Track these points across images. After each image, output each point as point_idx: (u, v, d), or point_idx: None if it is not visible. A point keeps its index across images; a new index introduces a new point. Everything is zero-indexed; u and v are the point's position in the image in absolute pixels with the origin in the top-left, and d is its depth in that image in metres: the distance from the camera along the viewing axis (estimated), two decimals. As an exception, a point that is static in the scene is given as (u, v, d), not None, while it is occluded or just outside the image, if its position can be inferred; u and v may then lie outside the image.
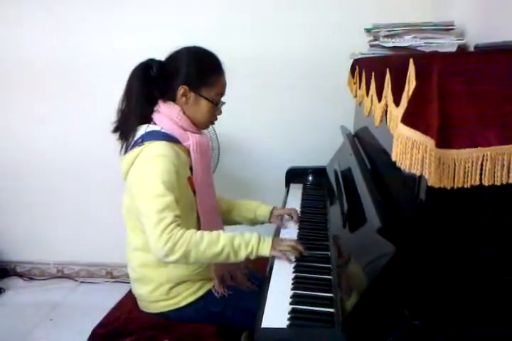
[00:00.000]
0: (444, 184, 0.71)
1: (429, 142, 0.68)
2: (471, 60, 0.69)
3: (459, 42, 1.65)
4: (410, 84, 0.80)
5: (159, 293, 1.42)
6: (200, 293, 1.44)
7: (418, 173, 0.69)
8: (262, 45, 2.28)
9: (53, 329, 2.28)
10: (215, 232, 1.30)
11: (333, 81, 2.20)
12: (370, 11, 2.15)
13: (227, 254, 1.27)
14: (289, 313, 1.03)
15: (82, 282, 2.77)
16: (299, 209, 1.74)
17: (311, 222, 1.60)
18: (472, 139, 0.69)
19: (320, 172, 2.05)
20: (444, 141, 0.69)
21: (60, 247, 2.77)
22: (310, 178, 2.09)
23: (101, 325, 1.46)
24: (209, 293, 1.45)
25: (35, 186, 2.67)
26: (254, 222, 1.72)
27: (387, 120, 1.00)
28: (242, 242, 1.29)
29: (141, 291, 1.47)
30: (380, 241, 0.86)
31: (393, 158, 0.72)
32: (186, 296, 1.43)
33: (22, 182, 2.67)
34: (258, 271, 1.65)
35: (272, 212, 1.68)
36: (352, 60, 2.00)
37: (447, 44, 1.65)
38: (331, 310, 1.04)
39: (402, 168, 0.70)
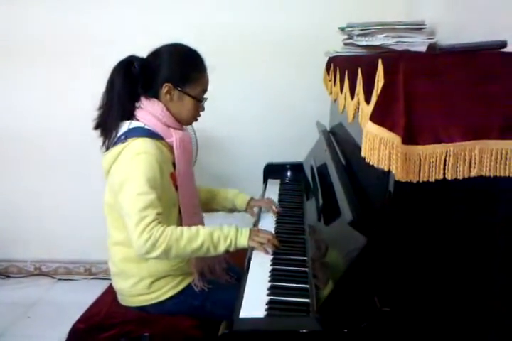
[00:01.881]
0: (410, 178, 0.75)
1: (395, 139, 0.72)
2: (435, 61, 0.74)
3: (430, 41, 1.70)
4: (379, 83, 0.85)
5: (140, 287, 1.44)
6: (181, 287, 1.47)
7: (386, 168, 0.73)
8: (238, 41, 2.31)
9: (31, 327, 2.27)
10: (194, 228, 1.33)
11: (310, 78, 2.25)
12: (346, 10, 2.19)
13: (207, 248, 1.30)
14: (266, 304, 1.07)
15: (59, 279, 2.76)
16: (277, 203, 1.77)
17: (288, 217, 1.64)
18: (436, 136, 0.74)
19: (297, 167, 2.09)
20: (409, 138, 0.74)
21: (37, 244, 2.75)
22: (287, 174, 2.13)
23: (81, 320, 1.48)
24: (189, 287, 1.47)
25: (11, 182, 2.64)
26: (232, 211, 1.78)
27: (359, 117, 1.04)
28: (221, 236, 1.32)
29: (121, 285, 1.48)
30: (352, 234, 0.90)
31: (362, 154, 0.76)
32: (167, 290, 1.45)
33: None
34: (236, 264, 1.68)
35: (248, 203, 1.72)
36: (327, 58, 2.05)
37: (418, 43, 1.70)
38: (307, 300, 1.08)
39: (371, 163, 0.74)
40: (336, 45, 1.90)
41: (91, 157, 2.45)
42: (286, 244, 1.39)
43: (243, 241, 1.34)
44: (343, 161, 1.43)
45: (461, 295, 0.85)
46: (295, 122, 2.38)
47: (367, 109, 0.98)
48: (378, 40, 1.73)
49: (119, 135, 1.40)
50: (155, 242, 1.25)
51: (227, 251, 1.34)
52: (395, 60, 0.76)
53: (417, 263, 0.85)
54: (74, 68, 2.44)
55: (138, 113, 1.42)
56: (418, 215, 0.83)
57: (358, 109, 1.15)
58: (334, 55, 1.84)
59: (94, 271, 2.80)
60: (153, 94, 1.43)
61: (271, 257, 1.33)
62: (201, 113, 1.52)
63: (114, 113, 1.40)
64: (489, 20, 1.44)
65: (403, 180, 0.75)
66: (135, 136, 1.36)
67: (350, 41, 1.78)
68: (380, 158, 0.72)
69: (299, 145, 2.20)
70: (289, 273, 1.22)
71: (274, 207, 1.69)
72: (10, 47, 2.44)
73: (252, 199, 1.74)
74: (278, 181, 2.08)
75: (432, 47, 1.73)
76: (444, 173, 0.75)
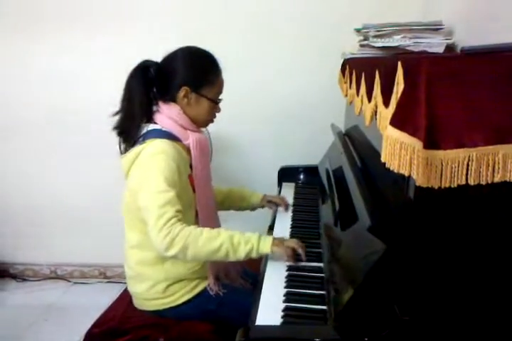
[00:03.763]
0: (432, 184, 0.73)
1: (416, 143, 0.70)
2: (458, 63, 0.71)
3: (447, 41, 1.68)
4: (399, 86, 0.83)
5: (155, 291, 1.44)
6: (196, 291, 1.46)
7: (406, 174, 0.71)
8: (252, 43, 2.30)
9: (48, 330, 2.28)
10: (215, 229, 1.32)
11: (324, 79, 2.23)
12: (361, 11, 2.17)
13: (226, 251, 1.27)
14: (282, 311, 1.05)
15: (75, 283, 2.77)
16: (291, 207, 1.76)
17: (304, 221, 1.63)
18: (459, 140, 0.71)
19: (312, 170, 2.07)
20: (431, 143, 0.71)
21: (53, 248, 2.76)
22: (302, 177, 2.11)
23: (96, 325, 1.48)
24: (204, 291, 1.46)
25: (27, 186, 2.66)
26: (245, 209, 1.83)
27: (377, 120, 1.02)
28: (242, 239, 1.28)
29: (137, 289, 1.48)
30: (371, 240, 0.88)
31: (382, 159, 0.74)
32: (182, 295, 1.44)
33: (12, 182, 2.66)
34: (251, 269, 1.67)
35: (263, 198, 1.79)
36: (342, 60, 2.03)
37: (436, 44, 1.68)
38: (324, 307, 1.06)
39: (391, 168, 0.72)
40: (352, 47, 1.88)
41: (107, 160, 2.50)
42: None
43: (266, 247, 1.29)
44: (360, 165, 1.41)
45: (484, 305, 0.83)
46: (309, 124, 2.36)
47: (385, 113, 0.96)
48: (395, 41, 1.71)
49: (138, 137, 1.42)
50: (174, 238, 1.23)
51: (248, 257, 1.29)
52: (416, 62, 0.74)
53: (437, 271, 0.82)
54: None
55: (156, 116, 1.44)
56: (439, 221, 0.80)
57: (376, 112, 1.13)
58: (350, 56, 1.82)
59: (109, 274, 2.81)
60: (171, 97, 1.44)
61: (287, 263, 1.31)
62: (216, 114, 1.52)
63: (134, 117, 1.42)
64: (508, 21, 1.40)
65: (424, 186, 0.73)
66: (153, 138, 1.38)
67: (366, 42, 1.76)
68: (401, 163, 0.70)
69: (313, 148, 2.18)
70: (305, 280, 1.21)
71: (285, 202, 1.77)
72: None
73: (264, 195, 1.81)
74: (292, 184, 2.06)
75: (449, 47, 1.71)
76: (467, 179, 0.72)
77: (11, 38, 2.41)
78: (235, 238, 1.29)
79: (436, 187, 0.73)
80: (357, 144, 1.63)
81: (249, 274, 1.64)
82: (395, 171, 0.72)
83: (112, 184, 2.56)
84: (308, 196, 1.89)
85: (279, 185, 2.10)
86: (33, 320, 2.36)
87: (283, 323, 1.00)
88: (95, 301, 2.54)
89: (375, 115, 1.14)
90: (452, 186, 0.73)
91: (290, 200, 1.84)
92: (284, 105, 2.37)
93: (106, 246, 2.69)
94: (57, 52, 2.42)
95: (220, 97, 1.49)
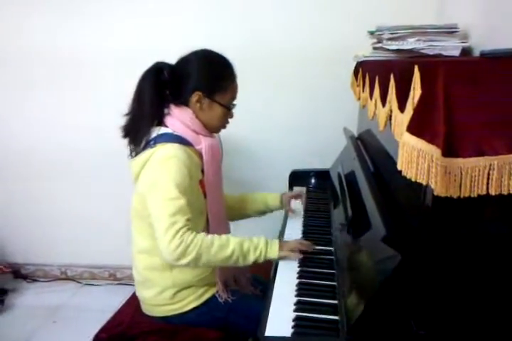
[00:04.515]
0: (451, 193, 0.70)
1: (435, 151, 0.67)
2: (477, 67, 0.68)
3: (463, 44, 1.64)
4: (415, 91, 0.80)
5: (163, 297, 1.42)
6: (204, 298, 1.44)
7: (424, 183, 0.68)
8: (265, 46, 2.27)
9: (57, 332, 2.28)
10: (224, 236, 1.31)
11: (336, 82, 2.20)
12: (374, 13, 2.13)
13: (237, 258, 1.29)
14: (293, 321, 1.03)
15: (85, 284, 2.77)
16: (302, 213, 1.73)
17: (315, 226, 1.60)
18: (479, 148, 0.69)
19: (323, 175, 2.04)
20: (450, 150, 0.68)
21: (63, 249, 2.76)
22: (313, 181, 2.08)
23: (104, 329, 1.46)
24: (213, 298, 1.44)
25: (37, 188, 2.67)
26: (264, 213, 1.78)
27: (392, 125, 0.99)
28: (251, 246, 1.30)
29: (145, 294, 1.46)
30: (386, 249, 0.85)
31: (398, 167, 0.72)
32: (190, 301, 1.42)
33: (23, 184, 2.67)
34: (261, 275, 1.65)
35: (281, 200, 1.74)
36: (355, 63, 2.00)
37: (451, 47, 1.64)
38: (336, 317, 1.03)
39: (408, 177, 0.69)
40: (365, 50, 1.85)
41: (115, 161, 2.49)
42: (313, 256, 1.35)
43: (273, 252, 1.32)
44: (372, 169, 1.38)
45: (504, 319, 0.79)
46: (321, 128, 2.33)
47: (400, 118, 0.93)
48: (409, 44, 1.67)
49: (148, 140, 1.39)
50: (186, 249, 1.23)
51: (255, 263, 1.32)
52: (434, 66, 0.71)
53: (455, 283, 0.79)
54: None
55: (167, 120, 1.41)
56: (457, 232, 0.77)
57: (391, 117, 1.10)
58: (363, 59, 1.79)
59: (118, 276, 2.80)
60: (183, 101, 1.41)
61: (297, 269, 1.28)
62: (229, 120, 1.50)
63: (146, 120, 1.39)
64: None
65: (443, 195, 0.70)
66: (164, 142, 1.35)
67: (379, 45, 1.73)
68: (418, 171, 0.67)
69: (325, 152, 2.16)
70: (316, 288, 1.18)
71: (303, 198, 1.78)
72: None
73: (282, 194, 1.76)
74: (304, 189, 2.03)
75: (465, 51, 1.67)
76: (488, 188, 0.69)
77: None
78: (245, 245, 1.30)
79: (455, 197, 0.70)
80: (370, 149, 1.60)
81: (258, 280, 1.61)
82: (412, 180, 0.69)
83: (122, 185, 2.57)
84: (320, 201, 1.86)
85: (290, 188, 2.07)
86: (41, 321, 2.36)
87: (294, 334, 0.97)
88: (105, 303, 2.54)
89: (389, 120, 1.11)
90: (472, 195, 0.70)
91: (301, 205, 1.81)
92: (295, 108, 2.34)
93: (116, 247, 2.69)
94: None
95: (234, 102, 1.47)
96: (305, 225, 1.61)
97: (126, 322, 1.47)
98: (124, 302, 1.66)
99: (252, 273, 1.60)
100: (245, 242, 1.30)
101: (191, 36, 2.28)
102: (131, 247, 1.52)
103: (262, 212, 1.76)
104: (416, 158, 0.67)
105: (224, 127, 1.50)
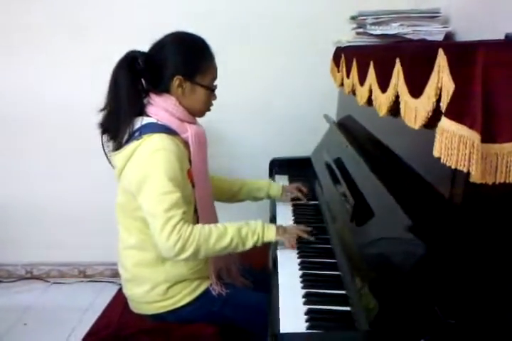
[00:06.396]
0: (486, 180, 0.68)
1: (476, 137, 0.65)
2: (514, 51, 0.66)
3: (446, 29, 1.65)
4: (441, 74, 0.77)
5: (156, 293, 1.36)
6: (198, 292, 1.39)
7: (465, 170, 0.65)
8: (241, 35, 2.21)
9: (29, 334, 2.16)
10: (220, 225, 1.30)
11: (313, 69, 2.17)
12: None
13: (236, 245, 1.28)
14: (305, 314, 1.00)
15: (53, 283, 2.64)
16: (289, 201, 1.71)
17: (306, 215, 1.57)
18: (516, 133, 0.67)
19: (304, 162, 2.01)
20: (487, 136, 0.66)
21: (28, 247, 2.62)
22: (294, 169, 2.06)
23: (91, 333, 1.38)
24: (206, 292, 1.40)
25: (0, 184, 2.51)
26: (260, 199, 1.76)
27: (402, 111, 0.97)
28: (249, 231, 1.30)
29: (135, 292, 1.40)
30: (411, 238, 0.83)
31: (436, 154, 0.69)
32: (184, 296, 1.37)
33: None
34: (252, 266, 1.62)
35: (283, 190, 1.73)
36: (335, 48, 1.97)
37: (435, 31, 1.64)
38: (347, 308, 1.01)
39: (448, 164, 0.67)
40: (342, 35, 1.82)
41: (80, 157, 2.39)
42: (310, 245, 1.33)
43: (271, 235, 1.32)
44: (371, 157, 1.36)
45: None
46: (298, 115, 2.29)
47: (415, 104, 0.91)
48: (393, 28, 1.66)
49: (132, 132, 1.31)
50: (185, 243, 1.20)
51: (254, 247, 1.31)
52: (469, 49, 0.68)
53: (484, 271, 0.78)
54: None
55: (149, 109, 1.33)
56: (487, 219, 0.76)
57: (395, 102, 1.08)
58: (346, 44, 1.76)
59: (89, 273, 2.69)
60: (163, 88, 1.34)
61: (298, 261, 1.25)
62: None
63: (125, 112, 1.31)
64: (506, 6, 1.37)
65: (478, 182, 0.68)
66: (150, 132, 1.27)
67: (362, 30, 1.71)
68: (459, 158, 0.65)
69: (304, 139, 2.13)
70: (321, 278, 1.15)
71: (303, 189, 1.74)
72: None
73: (284, 186, 1.75)
74: (285, 177, 2.00)
75: (448, 36, 1.68)
76: (523, 174, 0.68)
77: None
78: (243, 230, 1.29)
79: (490, 183, 0.69)
80: (357, 135, 1.59)
81: (249, 272, 1.58)
82: (452, 167, 0.66)
83: (90, 180, 2.47)
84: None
85: (270, 177, 2.03)
86: (11, 324, 2.23)
87: (309, 328, 0.94)
88: (77, 302, 2.44)
89: (393, 106, 1.09)
90: (508, 181, 0.68)
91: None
92: (272, 96, 2.29)
93: (85, 243, 2.59)
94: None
95: (215, 83, 1.41)
96: (296, 214, 1.58)
97: (114, 323, 1.40)
98: (107, 301, 1.58)
99: (241, 265, 1.57)
100: (243, 228, 1.30)
101: (161, 15, 2.19)
102: (118, 244, 1.43)
103: (258, 199, 1.75)
104: (457, 144, 0.65)
105: (209, 110, 1.44)
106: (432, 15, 1.68)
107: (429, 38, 1.64)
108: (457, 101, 0.66)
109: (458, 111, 0.66)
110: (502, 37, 1.08)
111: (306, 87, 2.25)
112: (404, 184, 1.04)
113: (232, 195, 1.70)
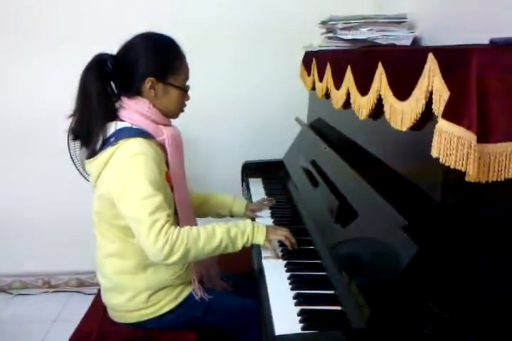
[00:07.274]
0: (480, 178, 0.72)
1: (472, 137, 0.68)
2: (506, 54, 0.70)
3: (413, 34, 1.71)
4: (430, 78, 0.80)
5: (138, 301, 1.33)
6: (180, 298, 1.37)
7: (463, 170, 0.68)
8: (209, 33, 2.21)
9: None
10: (209, 226, 1.27)
11: (283, 74, 2.20)
12: (315, 5, 2.14)
13: (226, 246, 1.26)
14: (298, 315, 1.00)
15: (16, 294, 2.53)
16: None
17: (284, 218, 1.58)
18: (508, 134, 0.70)
19: (277, 165, 2.03)
20: (481, 136, 0.70)
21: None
22: (266, 172, 2.07)
23: (71, 343, 1.34)
24: (189, 298, 1.38)
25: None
26: (223, 216, 1.69)
27: (388, 114, 1.00)
28: (238, 232, 1.28)
29: (116, 301, 1.36)
30: (403, 237, 0.86)
31: (435, 155, 0.72)
32: (166, 303, 1.35)
33: None
34: (231, 270, 1.61)
35: (246, 208, 1.67)
36: (304, 52, 2.00)
37: (403, 36, 1.70)
38: (338, 307, 1.03)
39: (447, 164, 0.70)
40: (308, 39, 1.86)
41: (47, 162, 2.31)
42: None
43: (260, 238, 1.30)
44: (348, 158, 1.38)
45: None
46: (269, 118, 2.31)
47: (400, 106, 0.94)
48: (363, 33, 1.71)
49: (105, 138, 1.27)
50: (172, 246, 1.17)
51: (243, 247, 1.30)
52: (461, 53, 0.71)
53: (477, 267, 0.81)
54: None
55: (122, 113, 1.30)
56: (478, 215, 0.80)
57: (376, 105, 1.11)
58: (317, 49, 1.79)
59: (53, 283, 2.60)
60: (135, 91, 1.31)
61: (284, 262, 1.26)
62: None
63: (96, 117, 1.27)
64: (472, 12, 1.44)
65: (473, 181, 0.71)
66: (126, 137, 1.25)
67: (333, 35, 1.74)
68: (458, 158, 0.68)
69: (275, 142, 2.15)
70: (308, 279, 1.17)
71: (269, 202, 1.70)
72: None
73: (248, 203, 1.70)
74: (259, 180, 2.01)
75: (415, 41, 1.74)
76: (516, 173, 0.72)
77: None
78: (232, 231, 1.27)
79: (483, 182, 0.72)
80: (331, 138, 1.62)
81: (227, 276, 1.58)
82: (451, 167, 0.69)
83: (55, 189, 2.38)
84: (280, 191, 1.85)
85: (244, 181, 2.04)
86: (-27, 340, 2.12)
87: (304, 328, 0.95)
88: (43, 313, 2.36)
89: (375, 109, 1.12)
90: (499, 180, 0.72)
91: (262, 196, 1.80)
92: (243, 100, 2.31)
93: (48, 253, 2.50)
94: None
95: (187, 84, 1.39)
96: (275, 216, 1.59)
97: (94, 334, 1.35)
98: (75, 311, 1.54)
99: (221, 269, 1.56)
100: (232, 229, 1.27)
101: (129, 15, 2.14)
102: (96, 252, 1.39)
103: (222, 216, 1.69)
104: (456, 145, 0.68)
105: (182, 111, 1.42)
106: (398, 21, 1.74)
107: (397, 42, 1.69)
108: (454, 104, 0.69)
109: (455, 113, 0.69)
110: (466, 42, 1.14)
111: (278, 90, 2.27)
112: (386, 183, 1.07)
113: (197, 210, 1.61)
